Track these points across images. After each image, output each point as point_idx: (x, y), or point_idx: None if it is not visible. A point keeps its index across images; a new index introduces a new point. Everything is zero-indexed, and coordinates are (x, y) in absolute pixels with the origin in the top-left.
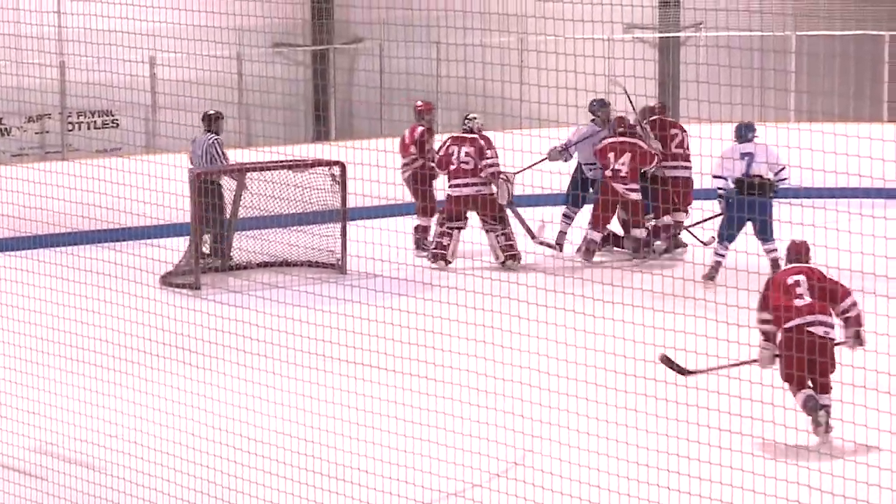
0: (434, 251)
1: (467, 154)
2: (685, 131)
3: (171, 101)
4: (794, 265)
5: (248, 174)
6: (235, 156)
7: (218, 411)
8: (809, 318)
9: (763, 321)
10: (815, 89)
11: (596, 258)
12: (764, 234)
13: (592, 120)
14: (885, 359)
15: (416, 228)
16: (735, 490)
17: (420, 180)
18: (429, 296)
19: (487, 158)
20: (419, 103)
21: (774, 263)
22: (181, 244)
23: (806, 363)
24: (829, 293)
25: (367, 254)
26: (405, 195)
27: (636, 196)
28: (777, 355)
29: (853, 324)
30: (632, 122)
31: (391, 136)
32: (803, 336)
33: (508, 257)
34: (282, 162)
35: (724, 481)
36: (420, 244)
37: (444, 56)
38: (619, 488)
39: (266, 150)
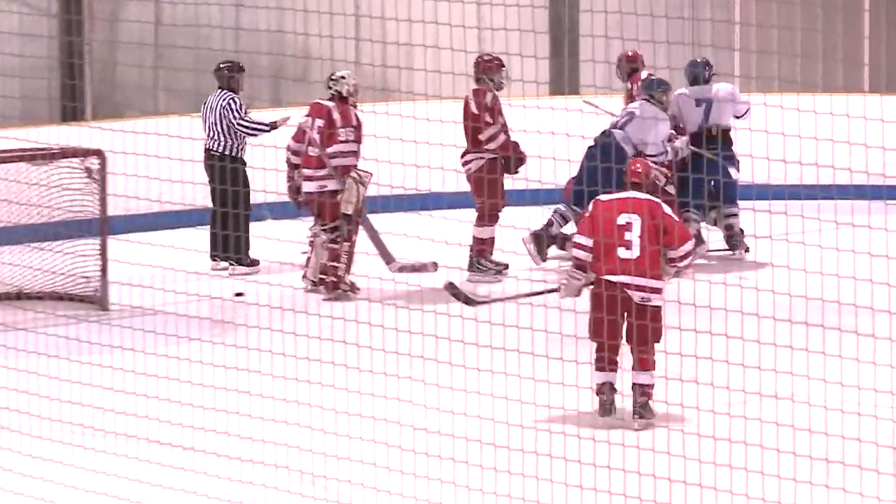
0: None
1: (319, 131)
2: None
3: None
4: (630, 195)
5: None
6: None
7: None
8: (627, 280)
9: (579, 246)
10: (769, 47)
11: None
12: (731, 196)
13: (647, 100)
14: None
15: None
16: None
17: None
18: (222, 339)
19: (338, 142)
20: (629, 52)
21: (729, 230)
22: None
23: (614, 325)
24: (666, 238)
25: (138, 281)
26: (197, 197)
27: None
28: (587, 284)
29: (681, 269)
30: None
31: (170, 113)
32: (616, 294)
33: (319, 282)
34: (15, 151)
35: None
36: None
37: (249, 1)
38: None
39: None
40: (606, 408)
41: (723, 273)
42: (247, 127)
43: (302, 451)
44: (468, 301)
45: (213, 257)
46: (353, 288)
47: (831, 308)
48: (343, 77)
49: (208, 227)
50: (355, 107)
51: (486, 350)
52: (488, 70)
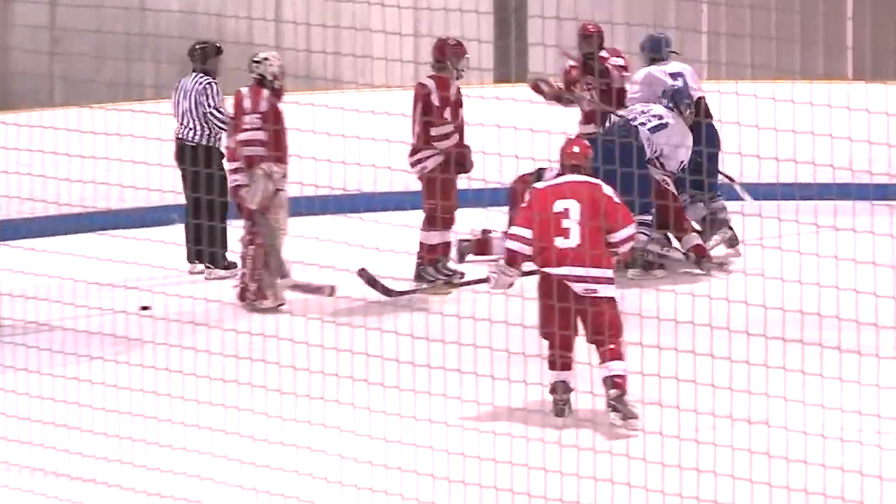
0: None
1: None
2: None
3: None
4: (569, 179)
5: None
6: None
7: None
8: (567, 271)
9: (515, 238)
10: (741, 30)
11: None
12: (713, 177)
13: (671, 110)
14: None
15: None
16: None
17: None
18: (126, 357)
19: (244, 129)
20: (590, 27)
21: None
22: None
23: (564, 321)
24: (606, 221)
25: (32, 293)
26: (98, 199)
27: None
28: (526, 272)
29: (622, 256)
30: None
31: (68, 104)
32: (561, 288)
33: (240, 291)
34: None
35: None
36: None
37: None
38: None
39: None
40: (560, 408)
41: (689, 282)
42: (217, 118)
43: (216, 483)
44: (385, 291)
45: (191, 259)
46: (260, 297)
47: (811, 321)
48: (267, 58)
49: (104, 232)
50: (282, 91)
51: (422, 369)
52: (454, 56)
